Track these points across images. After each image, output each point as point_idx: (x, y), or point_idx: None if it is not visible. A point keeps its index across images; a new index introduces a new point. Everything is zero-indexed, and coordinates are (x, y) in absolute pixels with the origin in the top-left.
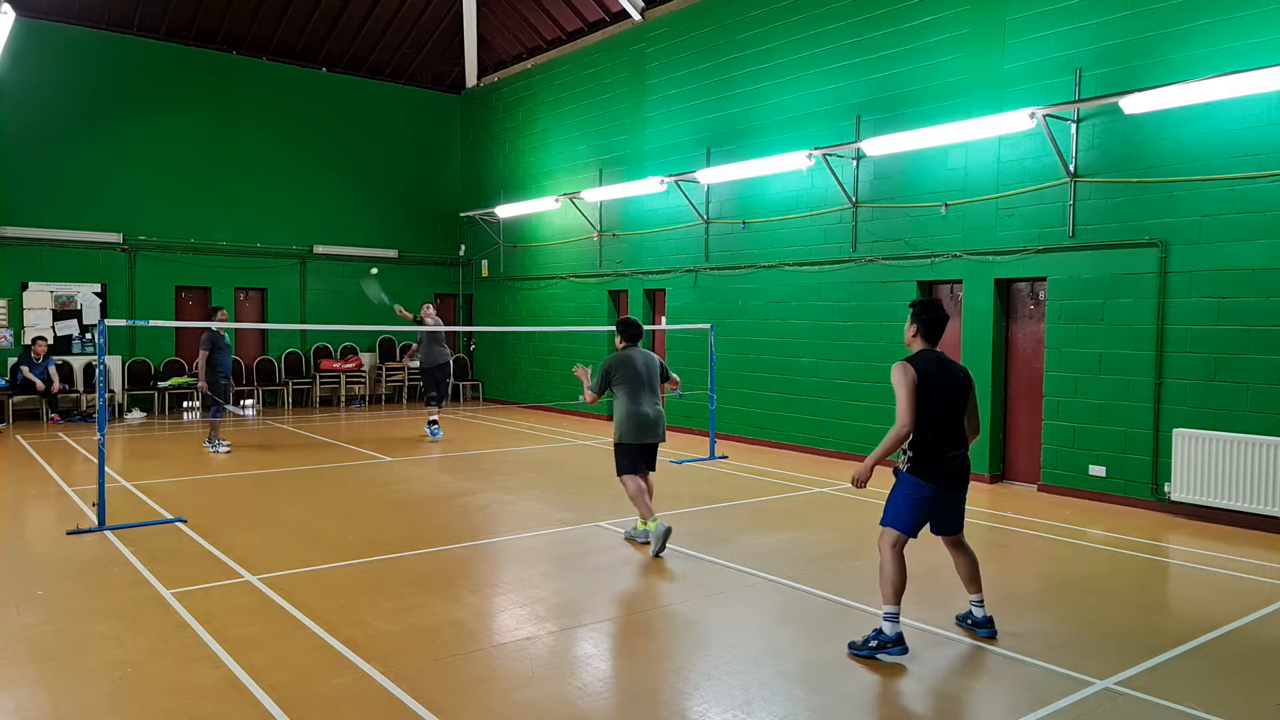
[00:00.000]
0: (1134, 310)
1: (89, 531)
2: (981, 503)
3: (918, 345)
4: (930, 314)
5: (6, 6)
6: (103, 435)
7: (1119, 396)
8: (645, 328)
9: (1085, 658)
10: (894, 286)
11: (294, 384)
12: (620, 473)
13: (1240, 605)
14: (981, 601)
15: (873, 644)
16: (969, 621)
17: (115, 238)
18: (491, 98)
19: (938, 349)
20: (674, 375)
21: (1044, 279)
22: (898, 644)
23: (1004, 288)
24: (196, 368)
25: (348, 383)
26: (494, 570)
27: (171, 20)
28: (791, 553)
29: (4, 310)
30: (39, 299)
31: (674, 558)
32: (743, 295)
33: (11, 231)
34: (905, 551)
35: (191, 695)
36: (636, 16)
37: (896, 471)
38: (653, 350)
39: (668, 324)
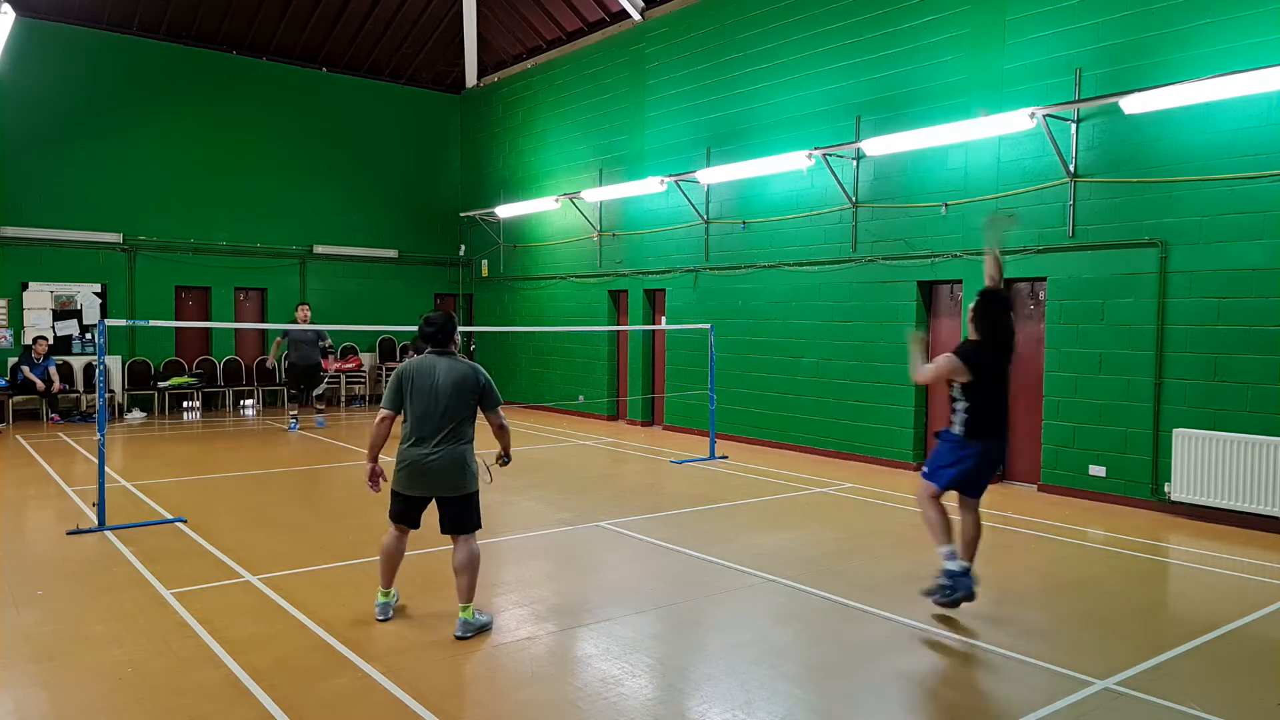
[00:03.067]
0: (1134, 310)
1: (89, 531)
2: (981, 503)
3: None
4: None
5: (6, 6)
6: (103, 435)
7: (1119, 396)
8: (645, 328)
9: (1085, 658)
10: (894, 286)
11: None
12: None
13: (1240, 605)
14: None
15: (947, 587)
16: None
17: (115, 238)
18: (491, 98)
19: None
20: (500, 417)
21: (1044, 279)
22: (965, 575)
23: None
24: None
25: (348, 383)
26: (494, 570)
27: (171, 20)
28: (791, 553)
29: (4, 310)
30: (39, 299)
31: (675, 557)
32: (743, 295)
33: (11, 231)
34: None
35: (191, 695)
36: (636, 16)
37: (944, 432)
38: (652, 350)
39: (668, 324)
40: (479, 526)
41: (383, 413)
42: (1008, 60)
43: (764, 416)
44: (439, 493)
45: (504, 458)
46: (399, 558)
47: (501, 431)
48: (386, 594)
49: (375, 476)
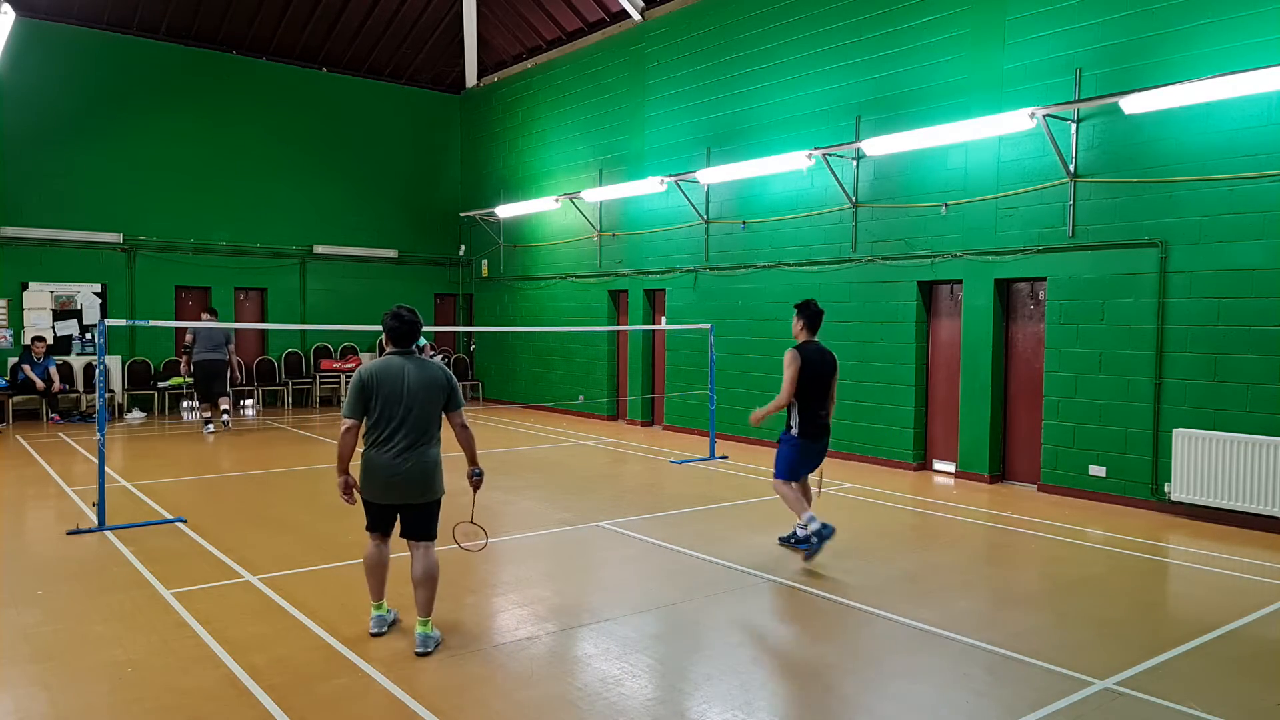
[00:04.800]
0: (1134, 310)
1: (89, 531)
2: (981, 503)
3: (804, 337)
4: (812, 310)
5: (6, 6)
6: (103, 435)
7: (1119, 396)
8: (645, 328)
9: (1085, 658)
10: (894, 286)
11: (294, 384)
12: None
13: (1240, 605)
14: (806, 524)
15: (797, 539)
16: (792, 540)
17: (115, 238)
18: (491, 98)
19: (817, 339)
20: (463, 417)
21: (1044, 279)
22: (823, 533)
23: (1004, 288)
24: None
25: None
26: (494, 570)
27: (171, 20)
28: (791, 553)
29: (4, 310)
30: (39, 299)
31: (675, 557)
32: (743, 295)
33: (11, 231)
34: None
35: (191, 695)
36: (636, 16)
37: (783, 435)
38: (652, 350)
39: (668, 324)
40: (436, 536)
41: (348, 423)
42: (1008, 60)
43: None
44: (408, 499)
45: (475, 471)
46: (385, 567)
47: (464, 431)
48: (380, 607)
49: (350, 489)
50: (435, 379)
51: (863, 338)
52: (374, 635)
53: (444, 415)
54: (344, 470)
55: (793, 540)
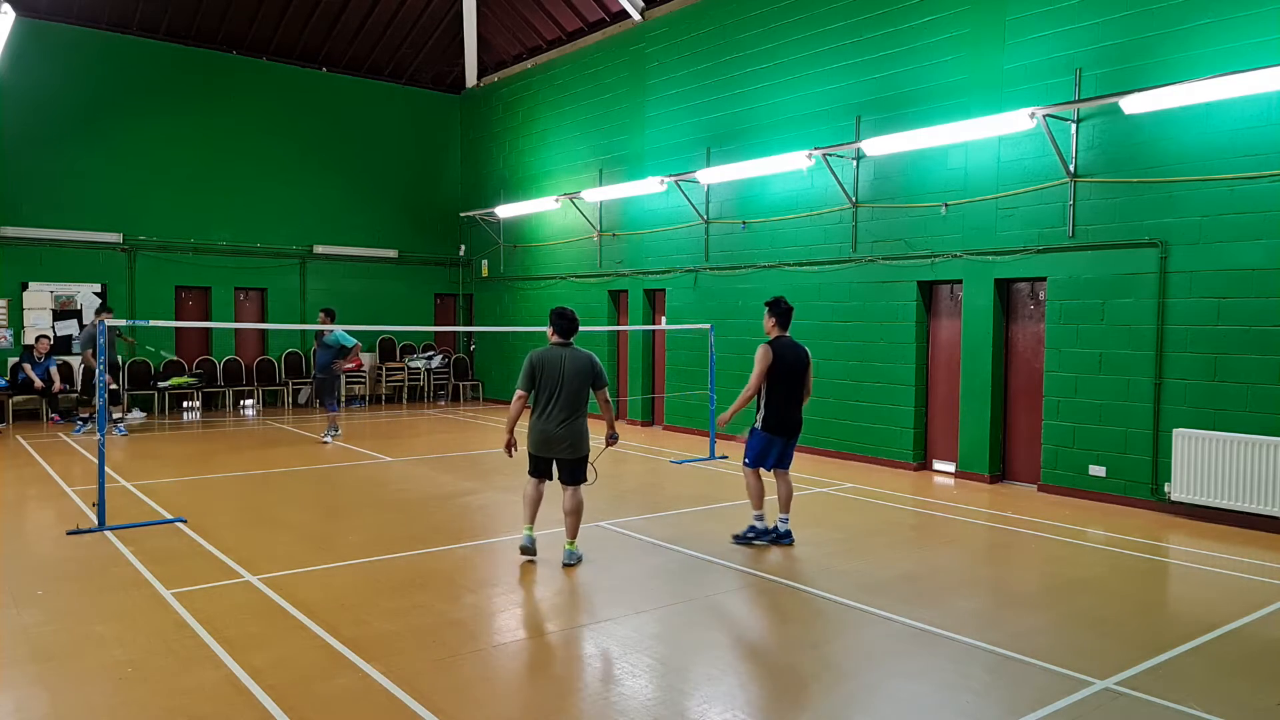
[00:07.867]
0: (1134, 310)
1: (89, 531)
2: (982, 503)
3: (775, 333)
4: (782, 308)
5: (6, 6)
6: (103, 435)
7: (1119, 396)
8: (645, 328)
9: (1085, 658)
10: (894, 286)
11: (294, 384)
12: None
13: (1240, 605)
14: (787, 519)
15: (750, 535)
16: (773, 534)
17: (115, 238)
18: (491, 98)
19: (788, 334)
20: (607, 394)
21: (1044, 279)
22: (765, 534)
23: (1004, 288)
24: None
25: (348, 383)
26: (494, 570)
27: (171, 20)
28: (792, 553)
29: (4, 310)
30: (39, 299)
31: (674, 558)
32: (743, 295)
33: (11, 231)
34: None
35: (191, 695)
36: (636, 16)
37: (753, 429)
38: (652, 350)
39: (668, 324)
40: (585, 480)
41: (519, 393)
42: (1008, 60)
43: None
44: (561, 455)
45: (611, 435)
46: (539, 501)
47: (606, 405)
48: (530, 529)
49: (510, 446)
50: (584, 366)
51: (863, 338)
52: (523, 550)
53: (592, 392)
54: (510, 430)
55: (751, 535)
